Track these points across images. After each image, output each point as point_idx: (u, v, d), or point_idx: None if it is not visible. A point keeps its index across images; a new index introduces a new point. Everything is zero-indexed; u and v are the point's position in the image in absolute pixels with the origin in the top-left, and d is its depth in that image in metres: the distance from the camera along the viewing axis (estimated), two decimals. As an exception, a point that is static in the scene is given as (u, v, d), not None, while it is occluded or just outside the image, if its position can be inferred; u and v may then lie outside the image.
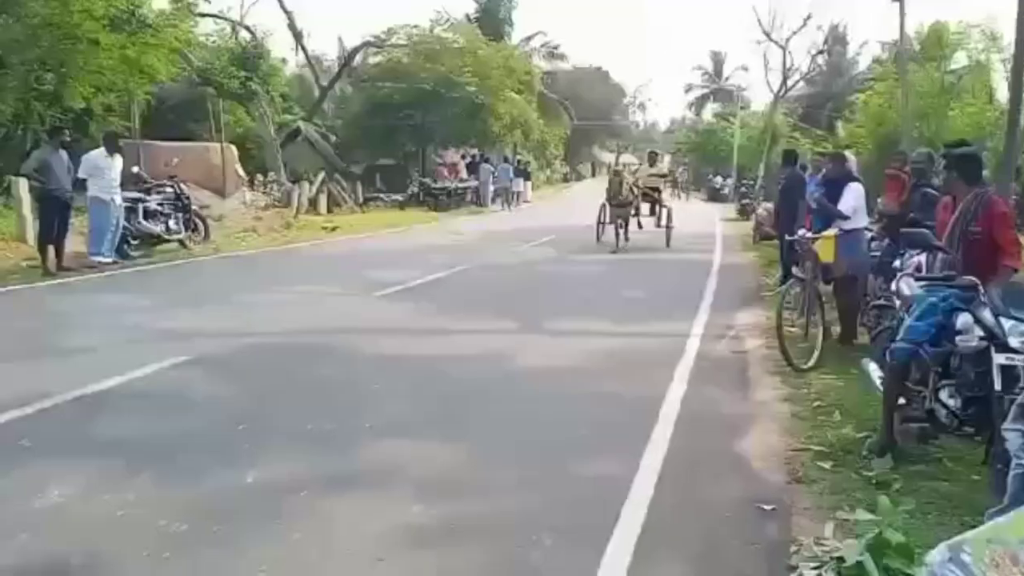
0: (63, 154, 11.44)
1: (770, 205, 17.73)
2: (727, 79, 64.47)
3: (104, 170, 11.75)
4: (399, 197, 27.61)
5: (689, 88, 68.75)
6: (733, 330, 8.78)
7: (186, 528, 3.70)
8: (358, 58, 33.20)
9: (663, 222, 17.77)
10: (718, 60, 65.73)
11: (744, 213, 26.82)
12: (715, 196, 40.88)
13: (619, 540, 3.79)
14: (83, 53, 15.71)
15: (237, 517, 3.87)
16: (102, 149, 12.06)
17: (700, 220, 27.97)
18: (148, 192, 13.39)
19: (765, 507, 4.21)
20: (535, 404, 6.03)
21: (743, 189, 32.38)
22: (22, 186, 12.65)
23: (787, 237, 8.40)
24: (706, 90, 67.35)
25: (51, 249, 11.07)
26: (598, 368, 7.15)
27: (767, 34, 37.68)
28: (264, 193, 23.36)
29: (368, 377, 6.48)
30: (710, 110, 66.17)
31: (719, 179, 43.57)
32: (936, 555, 1.58)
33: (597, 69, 68.33)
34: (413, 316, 9.21)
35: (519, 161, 34.64)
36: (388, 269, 12.23)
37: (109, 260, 11.70)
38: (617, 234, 16.47)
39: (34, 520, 3.74)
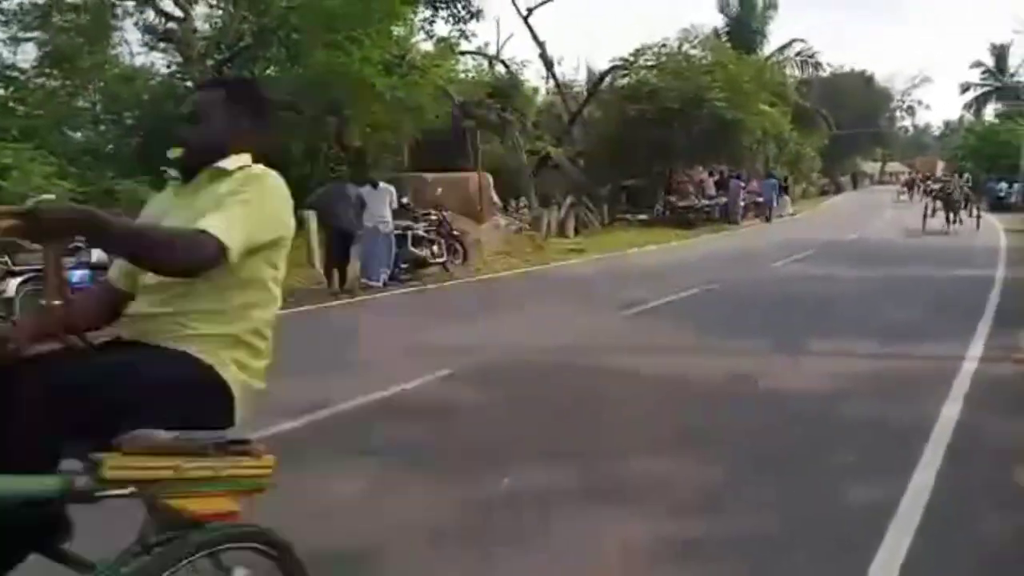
0: (347, 187, 12.81)
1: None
2: (1012, 75, 57.88)
3: (370, 203, 12.95)
4: (644, 216, 27.68)
5: (967, 87, 62.61)
6: (1021, 352, 7.93)
7: (456, 528, 4.04)
8: (606, 80, 33.80)
9: None
10: (1000, 55, 59.23)
11: (1035, 222, 23.91)
12: (998, 205, 36.66)
13: (879, 569, 3.62)
14: (362, 97, 17.46)
15: (501, 522, 4.14)
16: (368, 185, 13.32)
17: (980, 231, 25.41)
18: (415, 220, 14.61)
19: (1050, 547, 3.81)
20: (790, 426, 5.85)
21: (1034, 196, 28.86)
22: (311, 217, 14.26)
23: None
24: (987, 88, 60.92)
25: (335, 273, 12.40)
26: (859, 390, 6.77)
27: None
28: (516, 218, 24.45)
29: (619, 394, 6.63)
30: (992, 110, 59.73)
31: (1003, 186, 39.01)
32: None
33: (860, 73, 64.25)
34: (661, 335, 9.25)
35: (773, 175, 33.44)
36: (634, 288, 12.36)
37: (379, 284, 12.87)
38: None
39: (320, 514, 4.20)
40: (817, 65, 48.41)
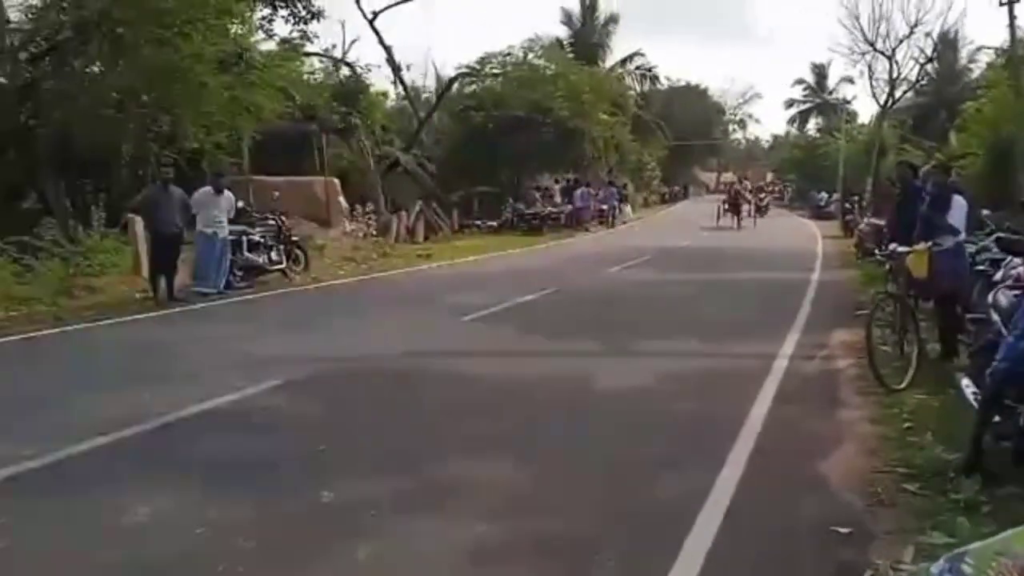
0: (173, 191, 12.15)
1: (875, 220, 17.09)
2: (831, 92, 62.58)
3: (207, 207, 12.41)
4: (494, 223, 28.01)
5: (791, 103, 67.12)
6: (826, 349, 8.51)
7: (259, 545, 3.86)
8: (454, 87, 33.96)
9: None
10: (821, 73, 63.90)
11: (847, 230, 25.92)
12: (819, 213, 39.61)
13: (685, 562, 3.73)
14: (193, 96, 16.64)
15: (309, 535, 4.01)
16: (209, 188, 12.75)
17: (801, 238, 27.27)
18: (252, 225, 14.05)
19: (842, 530, 4.06)
20: (614, 426, 6.00)
21: (846, 205, 31.30)
22: (138, 223, 13.47)
23: (876, 253, 8.04)
24: (809, 105, 65.56)
25: (162, 281, 11.73)
26: (682, 389, 7.05)
27: (871, 44, 36.33)
28: (364, 223, 24.08)
29: (449, 399, 6.60)
30: (814, 125, 64.31)
31: (823, 195, 42.23)
32: (935, 567, 1.52)
33: (695, 87, 67.60)
34: (498, 339, 9.31)
35: (614, 184, 34.66)
36: (477, 294, 12.42)
37: (212, 291, 12.28)
38: None
39: (120, 536, 3.98)
40: (655, 79, 50.74)
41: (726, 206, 33.65)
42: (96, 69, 17.82)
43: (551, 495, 4.61)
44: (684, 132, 56.02)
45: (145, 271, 12.87)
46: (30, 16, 17.80)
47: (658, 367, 7.88)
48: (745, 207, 34.33)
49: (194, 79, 16.31)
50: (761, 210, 39.32)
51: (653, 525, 4.18)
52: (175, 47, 15.74)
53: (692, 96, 64.76)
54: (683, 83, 63.81)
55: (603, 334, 9.54)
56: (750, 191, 41.09)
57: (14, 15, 17.34)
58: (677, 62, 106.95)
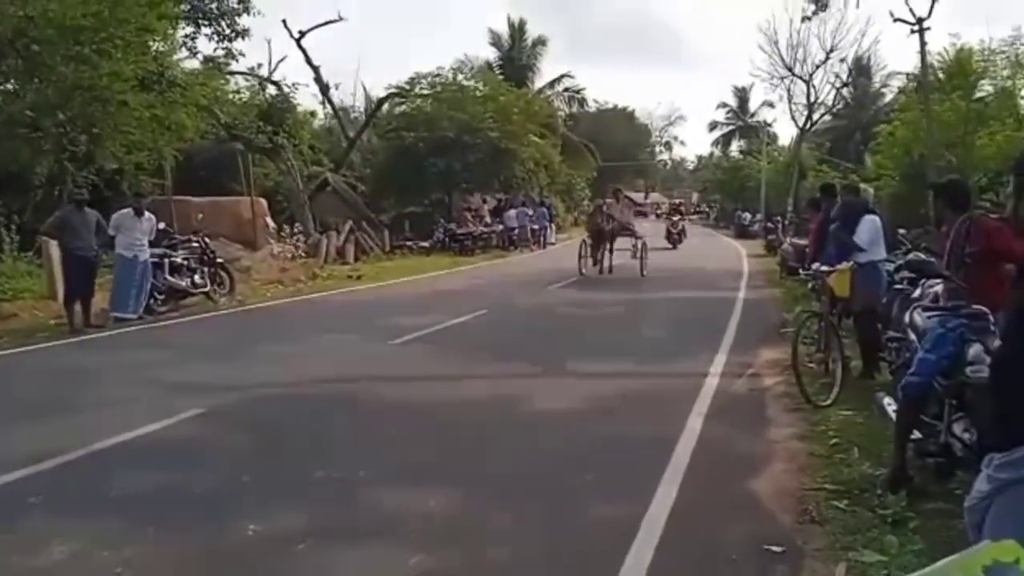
0: (88, 213, 11.68)
1: (797, 240, 17.58)
2: (752, 115, 64.45)
3: (128, 229, 11.99)
4: (425, 244, 27.87)
5: (715, 125, 68.91)
6: (752, 368, 8.64)
7: (183, 583, 3.69)
8: (384, 107, 33.80)
9: None
10: (742, 97, 65.80)
11: (771, 249, 26.60)
12: (743, 232, 40.63)
13: (621, 587, 3.71)
14: (112, 114, 16.14)
15: (235, 571, 3.86)
16: (129, 209, 12.32)
17: (727, 257, 27.83)
18: (174, 247, 13.62)
19: (774, 549, 4.10)
20: (545, 448, 5.96)
21: (769, 225, 32.16)
22: (52, 246, 12.93)
23: (800, 271, 8.26)
24: (732, 127, 67.37)
25: (78, 306, 11.26)
26: (613, 409, 7.06)
27: (790, 69, 37.57)
28: (292, 244, 23.68)
29: (378, 425, 6.47)
30: (736, 147, 66.04)
31: (747, 215, 43.35)
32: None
33: (622, 110, 68.80)
34: (428, 363, 9.21)
35: (544, 203, 34.91)
36: (407, 316, 12.28)
37: (132, 316, 11.84)
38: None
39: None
40: (583, 101, 51.48)
41: (590, 241, 20.49)
42: (10, 87, 17.18)
43: (485, 522, 4.53)
44: (612, 153, 56.86)
45: (60, 296, 12.34)
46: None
47: (590, 388, 7.90)
48: (631, 241, 20.91)
49: (113, 97, 15.84)
50: (673, 237, 31.92)
51: (591, 547, 4.14)
52: (93, 65, 15.25)
53: (619, 118, 65.90)
54: (611, 106, 64.91)
55: (534, 356, 9.52)
56: (659, 213, 36.38)
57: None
58: (604, 85, 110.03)
